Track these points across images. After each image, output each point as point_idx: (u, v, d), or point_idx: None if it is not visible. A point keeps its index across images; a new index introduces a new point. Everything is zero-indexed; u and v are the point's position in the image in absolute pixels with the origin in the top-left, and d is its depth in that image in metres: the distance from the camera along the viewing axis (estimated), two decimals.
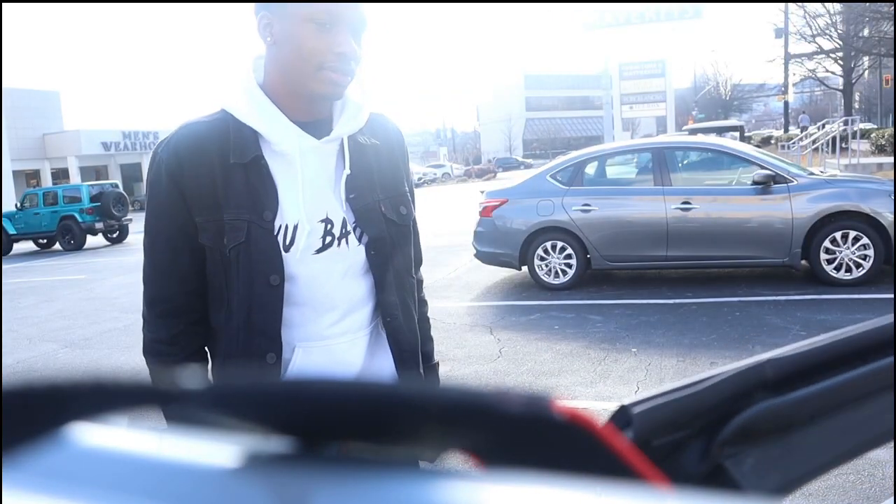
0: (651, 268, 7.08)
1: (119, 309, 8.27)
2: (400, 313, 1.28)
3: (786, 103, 37.21)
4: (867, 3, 26.14)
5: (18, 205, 19.16)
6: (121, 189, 19.63)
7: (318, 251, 1.20)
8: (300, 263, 1.19)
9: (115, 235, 18.46)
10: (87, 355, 6.14)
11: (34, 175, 40.06)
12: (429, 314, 1.47)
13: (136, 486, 0.22)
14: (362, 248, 1.24)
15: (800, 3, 32.91)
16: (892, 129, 20.81)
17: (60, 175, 39.90)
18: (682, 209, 6.59)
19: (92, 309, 8.43)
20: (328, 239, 1.21)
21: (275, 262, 1.17)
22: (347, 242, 1.23)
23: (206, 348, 1.28)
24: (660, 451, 0.36)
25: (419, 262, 1.42)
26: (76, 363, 5.91)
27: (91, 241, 18.41)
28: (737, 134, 17.87)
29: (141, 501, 0.22)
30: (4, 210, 19.14)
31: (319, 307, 1.21)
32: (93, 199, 17.84)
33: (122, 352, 6.15)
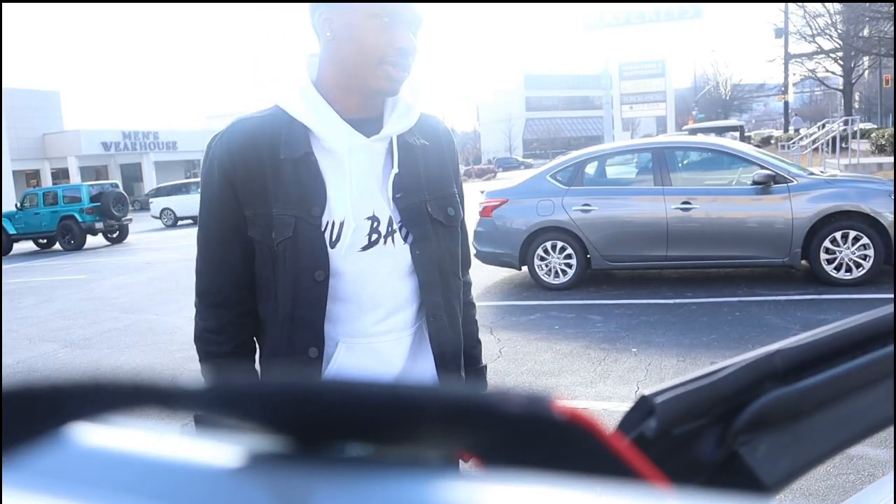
0: (651, 268, 7.08)
1: (119, 309, 8.27)
2: (444, 315, 1.28)
3: (786, 103, 37.21)
4: (867, 3, 26.14)
5: (18, 205, 19.16)
6: (121, 189, 19.63)
7: (364, 248, 1.21)
8: (346, 260, 1.20)
9: (115, 235, 18.46)
10: (87, 355, 6.14)
11: (34, 175, 40.07)
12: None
13: (136, 487, 0.22)
14: (407, 247, 1.24)
15: (800, 3, 32.92)
16: (892, 129, 20.81)
17: (60, 175, 39.91)
18: (682, 209, 6.59)
19: (92, 309, 8.43)
20: (374, 237, 1.22)
21: (320, 257, 1.19)
22: (394, 241, 1.23)
23: (254, 338, 1.30)
24: (680, 439, 0.37)
25: (467, 263, 1.42)
26: (76, 363, 5.91)
27: (91, 241, 18.41)
28: (737, 134, 17.87)
29: (142, 501, 0.22)
30: (4, 210, 19.14)
31: (364, 304, 1.22)
32: (93, 199, 17.83)
33: (122, 352, 6.15)
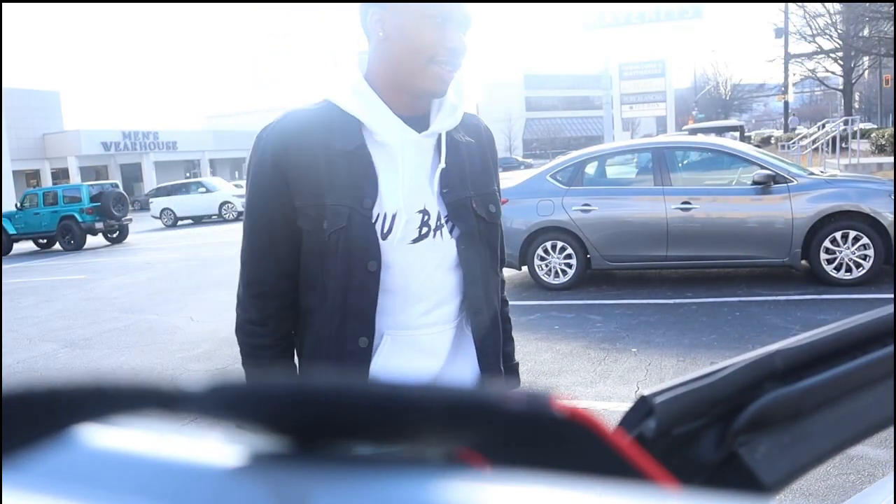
0: (651, 268, 7.08)
1: (119, 309, 8.27)
2: (485, 309, 1.31)
3: (786, 103, 37.20)
4: (867, 3, 26.14)
5: (18, 205, 19.16)
6: (121, 189, 19.63)
7: (414, 241, 1.23)
8: (396, 252, 1.22)
9: (115, 235, 18.46)
10: (87, 355, 6.14)
11: (34, 175, 40.07)
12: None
13: (138, 487, 0.23)
14: (454, 241, 1.26)
15: (800, 3, 32.92)
16: (892, 129, 20.81)
17: (60, 175, 39.92)
18: (682, 209, 6.59)
19: (92, 309, 8.43)
20: (424, 230, 1.24)
21: (373, 248, 1.20)
22: (442, 235, 1.26)
23: (292, 331, 1.32)
24: (679, 440, 0.37)
25: (503, 261, 1.45)
26: (76, 363, 5.91)
27: (91, 241, 18.41)
28: (737, 134, 17.87)
29: (144, 502, 0.22)
30: (4, 210, 19.14)
31: (411, 296, 1.24)
32: (93, 199, 17.83)
33: (122, 352, 6.15)
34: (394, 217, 1.22)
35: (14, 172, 35.91)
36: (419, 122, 1.26)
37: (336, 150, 1.21)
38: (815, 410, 0.40)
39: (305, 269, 1.26)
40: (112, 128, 42.96)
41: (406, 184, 1.23)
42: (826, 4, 32.09)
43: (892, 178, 7.02)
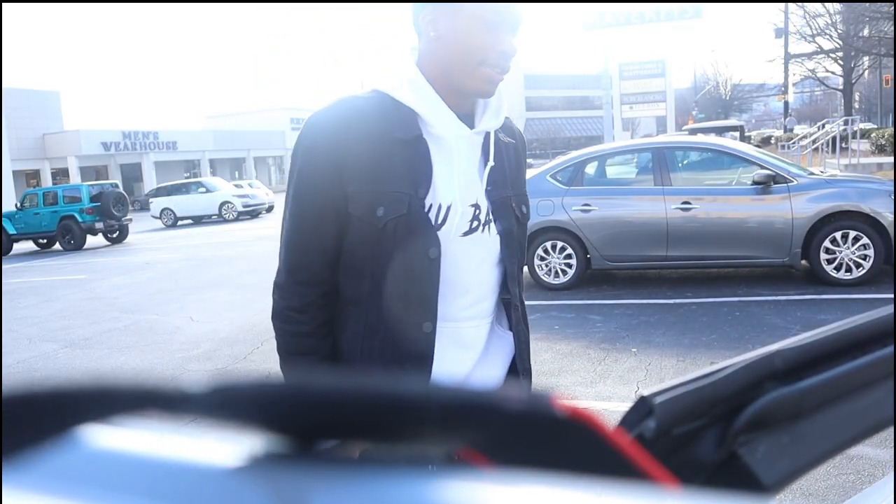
0: (651, 268, 7.08)
1: (119, 309, 8.27)
2: (520, 306, 1.36)
3: (786, 103, 37.18)
4: (867, 3, 26.13)
5: (18, 205, 19.16)
6: (121, 189, 19.63)
7: (465, 234, 1.25)
8: (448, 243, 1.23)
9: (115, 235, 18.46)
10: (87, 355, 6.14)
11: (34, 175, 40.07)
12: None
13: (138, 487, 0.23)
14: (498, 237, 1.29)
15: (800, 3, 32.92)
16: (892, 129, 20.81)
17: (60, 175, 39.91)
18: (682, 209, 6.59)
19: (92, 309, 8.43)
20: (475, 224, 1.26)
21: (432, 236, 1.22)
22: (489, 230, 1.28)
23: (330, 320, 1.30)
24: (679, 440, 0.37)
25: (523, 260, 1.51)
26: (76, 363, 5.91)
27: (91, 241, 18.41)
28: (737, 134, 17.87)
29: (143, 502, 0.22)
30: (4, 210, 19.14)
31: (456, 289, 1.25)
32: (93, 199, 17.83)
33: (122, 352, 6.15)
34: (448, 208, 1.23)
35: (14, 172, 35.91)
36: (465, 119, 1.28)
37: (395, 139, 1.21)
38: (815, 411, 0.40)
39: (351, 256, 1.24)
40: (112, 128, 42.95)
41: (461, 177, 1.25)
42: (826, 4, 32.10)
43: (892, 178, 7.02)
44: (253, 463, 0.24)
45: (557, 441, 0.26)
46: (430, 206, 1.22)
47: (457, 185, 1.24)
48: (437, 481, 0.22)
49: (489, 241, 1.28)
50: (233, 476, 0.24)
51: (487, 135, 1.30)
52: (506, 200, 1.31)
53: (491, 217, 1.28)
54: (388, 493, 0.22)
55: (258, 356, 5.43)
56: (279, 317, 1.29)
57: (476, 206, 1.26)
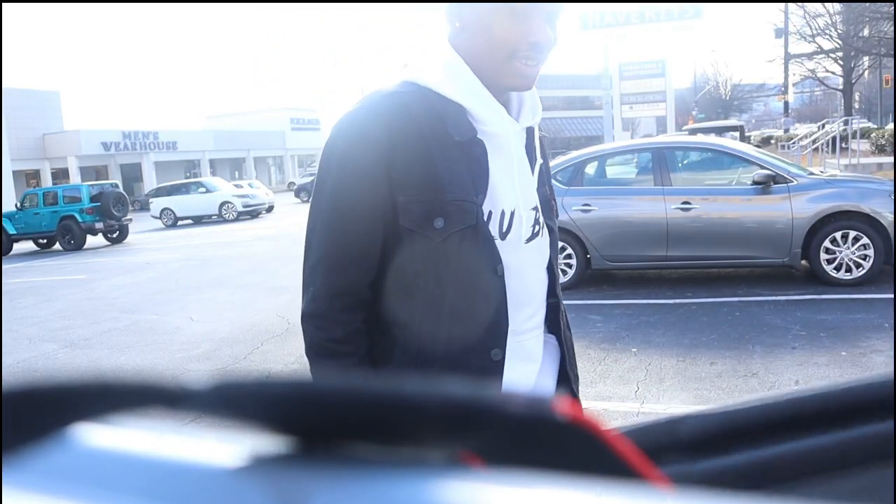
0: (651, 268, 7.08)
1: (119, 309, 8.27)
2: (564, 310, 1.26)
3: (786, 103, 37.18)
4: (867, 3, 26.13)
5: (18, 205, 19.16)
6: (121, 189, 19.63)
7: (528, 240, 1.14)
8: (512, 252, 1.11)
9: (115, 235, 18.46)
10: (86, 355, 6.14)
11: (34, 175, 40.06)
12: None
13: (138, 486, 0.23)
14: (547, 239, 1.20)
15: (800, 3, 32.91)
16: (892, 128, 20.81)
17: (60, 175, 39.91)
18: (682, 209, 6.59)
19: (92, 309, 8.43)
20: (536, 228, 1.16)
21: (496, 249, 1.08)
22: (543, 234, 1.19)
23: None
24: None
25: None
26: (76, 363, 5.91)
27: (91, 241, 18.41)
28: (737, 134, 17.87)
29: (142, 501, 0.22)
30: (4, 210, 19.14)
31: (520, 299, 1.13)
32: (93, 199, 17.83)
33: (122, 352, 6.15)
34: (512, 214, 1.11)
35: (14, 172, 35.91)
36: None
37: (452, 141, 1.06)
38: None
39: (400, 274, 1.08)
40: (112, 128, 42.93)
41: (521, 179, 1.13)
42: (826, 4, 32.10)
43: (892, 178, 7.02)
44: (253, 463, 0.24)
45: (558, 444, 0.25)
46: (490, 213, 1.09)
47: (518, 188, 1.12)
48: (436, 482, 0.22)
49: (544, 246, 1.18)
50: (232, 476, 0.23)
51: (530, 130, 1.19)
52: (548, 199, 1.23)
53: (543, 220, 1.20)
54: (389, 493, 0.22)
55: (258, 356, 5.40)
56: (321, 351, 1.10)
57: (536, 209, 1.16)
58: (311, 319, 1.10)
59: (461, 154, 1.07)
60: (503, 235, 1.10)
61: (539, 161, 1.20)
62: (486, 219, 1.08)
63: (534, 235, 1.15)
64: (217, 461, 0.24)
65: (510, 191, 1.11)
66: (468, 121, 1.09)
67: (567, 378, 1.25)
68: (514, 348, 1.13)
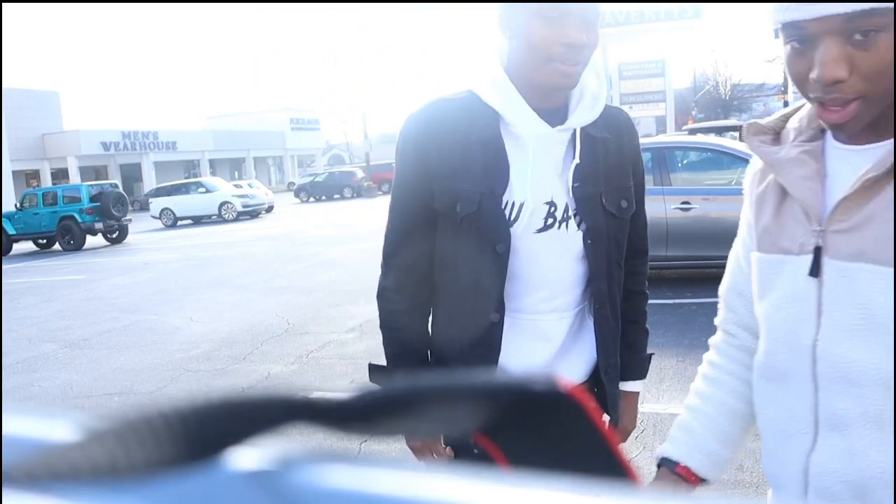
0: (651, 268, 7.07)
1: (118, 309, 8.27)
2: (608, 302, 1.36)
3: (785, 103, 37.17)
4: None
5: (18, 205, 19.16)
6: (120, 189, 19.63)
7: (539, 231, 1.30)
8: (521, 239, 1.29)
9: (114, 235, 18.46)
10: (86, 355, 6.14)
11: (34, 175, 40.06)
12: None
13: (137, 486, 0.22)
14: (580, 234, 1.31)
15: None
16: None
17: (60, 175, 39.90)
18: (682, 209, 6.59)
19: (91, 309, 8.43)
20: (549, 221, 1.30)
21: (502, 232, 1.28)
22: (567, 227, 1.30)
23: (428, 302, 1.40)
24: None
25: (642, 252, 1.55)
26: (76, 363, 5.91)
27: (91, 241, 18.40)
28: (737, 134, 17.87)
29: (142, 501, 0.22)
30: (4, 210, 19.14)
31: (533, 283, 1.31)
32: (92, 199, 17.83)
33: (122, 352, 6.15)
34: (521, 206, 1.28)
35: (14, 172, 35.90)
36: (558, 114, 1.30)
37: (472, 139, 1.28)
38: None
39: (440, 248, 1.33)
40: (112, 128, 42.92)
41: (535, 175, 1.28)
42: None
43: None
44: (253, 463, 0.24)
45: (551, 414, 0.27)
46: (507, 202, 1.28)
47: (530, 183, 1.28)
48: (437, 482, 0.22)
49: (568, 238, 1.30)
50: (232, 476, 0.23)
51: (576, 131, 1.31)
52: (593, 197, 1.31)
53: (571, 214, 1.30)
54: (389, 493, 0.22)
55: (258, 356, 5.40)
56: (380, 296, 1.41)
57: (551, 204, 1.29)
58: (380, 273, 1.41)
59: (481, 151, 1.28)
60: (511, 223, 1.28)
61: (576, 161, 1.30)
62: (503, 206, 1.28)
63: (546, 227, 1.29)
64: (215, 461, 0.23)
65: (522, 185, 1.28)
66: (494, 123, 1.29)
67: (608, 364, 1.38)
68: (527, 326, 1.31)
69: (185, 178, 38.55)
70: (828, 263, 0.92)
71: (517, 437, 0.28)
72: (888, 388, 0.87)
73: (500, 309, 1.30)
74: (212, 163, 48.52)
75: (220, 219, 24.07)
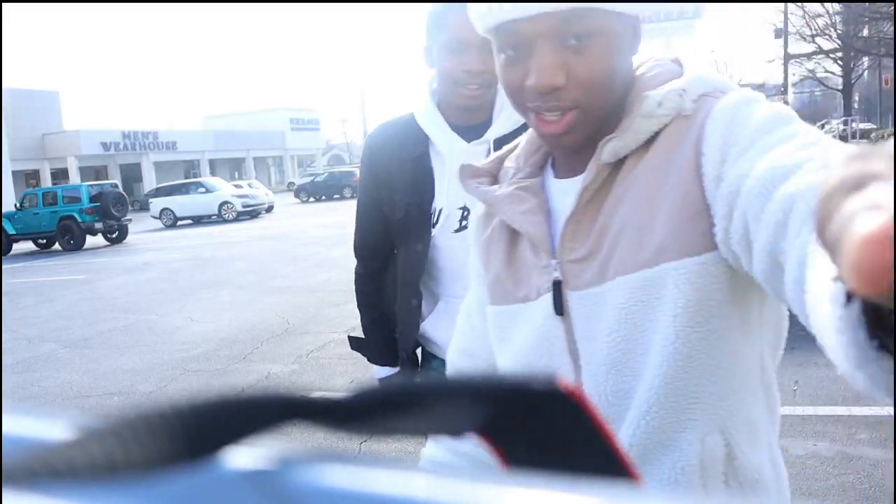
0: None
1: (118, 309, 8.28)
2: None
3: (785, 103, 37.03)
4: (867, 4, 26.15)
5: (18, 205, 19.16)
6: (120, 189, 19.64)
7: (456, 231, 1.54)
8: (441, 238, 1.56)
9: (114, 235, 18.46)
10: (86, 355, 6.14)
11: (34, 175, 40.06)
12: None
13: (136, 486, 0.22)
14: None
15: (799, 3, 32.93)
16: (892, 129, 20.81)
17: (60, 175, 39.90)
18: None
19: (91, 309, 8.43)
20: (464, 223, 1.53)
21: (423, 234, 1.56)
22: None
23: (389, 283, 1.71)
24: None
25: None
26: (76, 363, 5.91)
27: (91, 241, 18.41)
28: None
29: (141, 499, 0.22)
30: (4, 210, 19.14)
31: (456, 274, 1.55)
32: (92, 199, 17.83)
33: (122, 352, 6.15)
34: (440, 211, 1.54)
35: (14, 172, 35.88)
36: (480, 129, 1.53)
37: (405, 157, 1.56)
38: None
39: (392, 245, 1.66)
40: (112, 128, 42.89)
41: (450, 185, 1.51)
42: (826, 5, 32.11)
43: None
44: (254, 463, 0.24)
45: (550, 413, 0.28)
46: (435, 210, 1.55)
47: (446, 191, 1.53)
48: (437, 482, 0.22)
49: None
50: (232, 476, 0.23)
51: (500, 140, 1.47)
52: None
53: None
54: (388, 492, 0.22)
55: (257, 356, 5.40)
56: (355, 280, 1.77)
57: (464, 209, 1.52)
58: (355, 278, 1.75)
59: (411, 167, 1.57)
60: (433, 225, 1.55)
61: None
62: (432, 213, 1.55)
63: (461, 228, 1.53)
64: (216, 461, 0.23)
65: (440, 194, 1.55)
66: (425, 142, 1.56)
67: None
68: (456, 307, 1.45)
69: (185, 178, 38.54)
70: (571, 296, 0.85)
71: (516, 436, 0.28)
72: (661, 408, 0.81)
73: (418, 296, 1.60)
74: (212, 163, 48.51)
75: (220, 219, 24.07)
